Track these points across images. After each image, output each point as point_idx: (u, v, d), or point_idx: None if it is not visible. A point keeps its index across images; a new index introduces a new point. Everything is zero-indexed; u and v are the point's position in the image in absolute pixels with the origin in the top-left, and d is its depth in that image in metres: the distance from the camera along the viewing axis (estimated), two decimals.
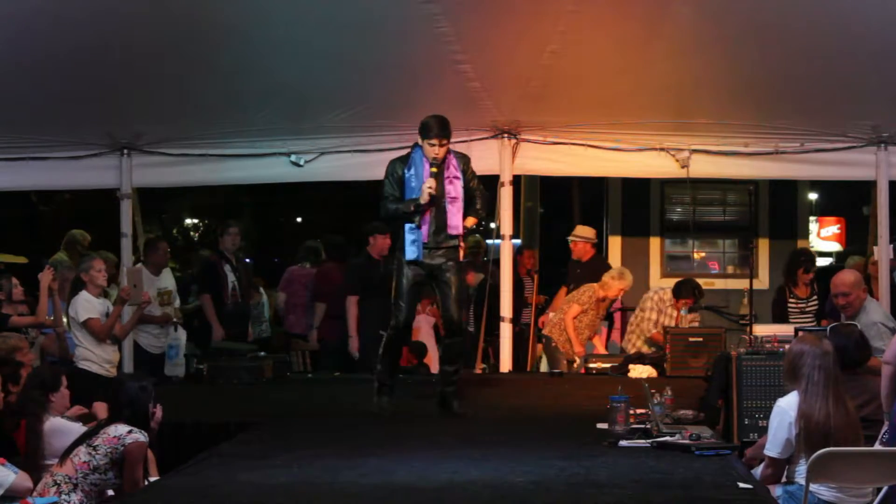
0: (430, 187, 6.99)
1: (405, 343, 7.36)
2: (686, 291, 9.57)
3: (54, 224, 19.59)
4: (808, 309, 9.93)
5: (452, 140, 9.18)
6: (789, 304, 9.94)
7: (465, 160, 7.28)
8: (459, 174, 7.13)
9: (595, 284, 10.13)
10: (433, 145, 7.03)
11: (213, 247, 10.47)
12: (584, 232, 10.65)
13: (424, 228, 7.05)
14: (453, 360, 7.31)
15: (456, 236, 7.13)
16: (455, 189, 7.11)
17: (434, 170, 7.01)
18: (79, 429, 5.90)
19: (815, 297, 10.01)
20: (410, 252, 7.06)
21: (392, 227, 7.51)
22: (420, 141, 7.10)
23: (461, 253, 7.22)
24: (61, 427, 5.96)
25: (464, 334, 7.31)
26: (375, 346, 9.29)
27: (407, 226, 7.05)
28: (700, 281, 10.95)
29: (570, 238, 10.62)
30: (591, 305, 9.88)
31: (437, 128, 7.04)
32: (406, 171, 7.11)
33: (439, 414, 7.14)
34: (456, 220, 7.12)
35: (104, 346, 7.93)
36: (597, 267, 10.58)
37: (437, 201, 7.06)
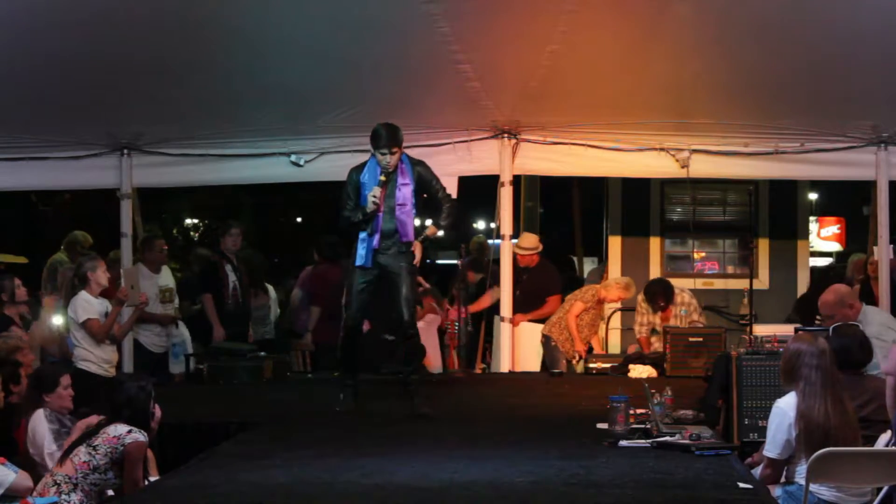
0: (374, 196, 7.04)
1: (357, 344, 7.46)
2: (648, 293, 9.73)
3: (54, 224, 19.60)
4: None
5: (453, 140, 9.18)
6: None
7: (422, 167, 7.28)
8: (410, 181, 7.13)
9: (597, 284, 10.17)
10: (384, 154, 7.06)
11: (214, 247, 10.47)
12: (527, 243, 10.38)
13: (376, 236, 7.12)
14: (408, 360, 7.37)
15: (408, 243, 7.16)
16: (404, 196, 7.12)
17: (383, 178, 7.05)
18: (47, 426, 5.94)
19: None
20: (359, 258, 7.18)
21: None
22: (372, 150, 7.16)
23: (417, 255, 7.21)
24: (35, 420, 6.00)
25: (415, 334, 7.33)
26: (374, 346, 9.36)
27: (360, 233, 7.16)
28: (699, 281, 10.99)
29: (515, 251, 10.21)
30: (594, 304, 9.92)
31: (387, 137, 7.06)
32: (360, 178, 7.18)
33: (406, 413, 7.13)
34: (406, 227, 7.15)
35: (103, 346, 7.93)
36: (542, 272, 10.46)
37: (388, 208, 7.10)
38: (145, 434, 5.54)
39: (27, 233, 21.07)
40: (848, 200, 21.69)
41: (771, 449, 5.38)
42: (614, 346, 11.15)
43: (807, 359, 5.36)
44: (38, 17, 7.29)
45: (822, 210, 24.57)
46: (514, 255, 10.08)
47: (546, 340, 10.00)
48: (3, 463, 5.47)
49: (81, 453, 5.44)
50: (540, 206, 14.04)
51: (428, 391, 7.43)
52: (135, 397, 5.65)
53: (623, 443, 5.83)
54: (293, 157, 9.69)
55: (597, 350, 10.20)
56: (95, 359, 7.89)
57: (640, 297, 9.83)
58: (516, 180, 10.44)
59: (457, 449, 5.83)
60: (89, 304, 7.92)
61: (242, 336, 9.90)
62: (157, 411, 5.87)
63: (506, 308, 9.69)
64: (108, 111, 8.94)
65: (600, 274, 11.90)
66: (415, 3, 7.30)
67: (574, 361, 9.87)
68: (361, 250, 7.17)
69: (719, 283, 11.57)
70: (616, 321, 11.05)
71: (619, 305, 10.84)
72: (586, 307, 9.89)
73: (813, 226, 22.26)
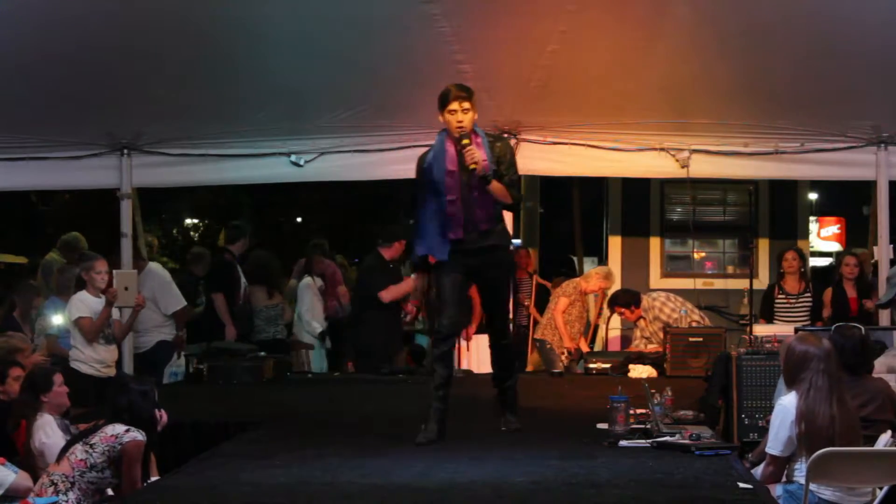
0: (474, 161, 5.90)
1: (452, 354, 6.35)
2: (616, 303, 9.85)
3: (54, 224, 19.62)
4: (798, 305, 9.83)
5: None
6: (777, 301, 9.84)
7: (501, 142, 6.23)
8: (486, 156, 6.01)
9: (578, 277, 10.22)
10: (454, 112, 5.99)
11: (223, 248, 10.46)
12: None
13: (453, 224, 6.07)
14: (505, 366, 6.49)
15: (489, 231, 6.17)
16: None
17: (466, 141, 5.93)
18: (61, 436, 5.91)
19: (808, 293, 9.93)
20: (437, 252, 6.15)
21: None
22: (440, 118, 6.11)
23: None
24: (45, 425, 5.99)
25: (510, 338, 6.51)
26: (373, 351, 9.35)
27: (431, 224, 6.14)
28: (699, 281, 10.98)
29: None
30: (578, 296, 9.94)
31: (455, 88, 6.03)
32: (426, 159, 6.17)
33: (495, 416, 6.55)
34: (485, 212, 6.13)
35: (96, 346, 7.92)
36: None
37: (467, 193, 6.06)
38: (143, 433, 5.54)
39: (27, 233, 21.10)
40: (848, 200, 21.69)
41: (774, 446, 5.38)
42: (614, 346, 11.16)
43: (814, 363, 5.35)
44: (38, 16, 7.29)
45: (822, 210, 24.58)
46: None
47: (541, 344, 10.00)
48: (3, 463, 5.47)
49: (78, 451, 5.44)
50: (540, 206, 14.06)
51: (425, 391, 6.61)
52: (135, 401, 5.65)
53: (623, 443, 5.83)
54: (293, 157, 9.68)
55: (583, 348, 10.17)
56: (87, 359, 7.87)
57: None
58: None
59: (457, 449, 5.82)
60: (83, 303, 7.93)
61: (249, 336, 9.92)
62: (164, 417, 5.87)
63: None
64: (108, 111, 8.94)
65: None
66: (415, 3, 7.31)
67: (564, 357, 9.86)
68: (436, 242, 6.09)
69: (719, 283, 11.59)
70: (616, 321, 11.06)
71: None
72: (571, 301, 9.91)
73: (813, 226, 22.28)
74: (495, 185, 6.05)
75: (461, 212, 6.09)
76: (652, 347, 9.65)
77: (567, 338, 9.84)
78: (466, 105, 6.00)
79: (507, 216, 9.42)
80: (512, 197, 6.21)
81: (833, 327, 6.52)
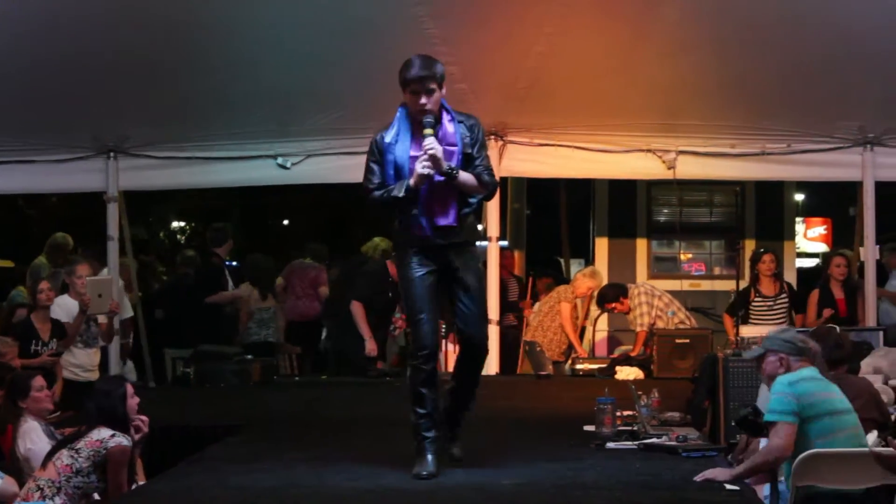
0: (429, 147, 5.00)
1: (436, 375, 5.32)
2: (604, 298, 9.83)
3: (41, 228, 19.52)
4: (776, 307, 9.73)
5: None
6: (753, 303, 9.69)
7: (471, 123, 5.27)
8: (457, 141, 5.18)
9: (569, 284, 10.24)
10: (416, 93, 5.06)
11: (209, 250, 10.43)
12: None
13: (423, 218, 5.17)
14: (463, 393, 5.58)
15: (455, 225, 5.21)
16: (451, 161, 5.13)
17: (429, 130, 5.04)
18: (46, 442, 5.87)
19: (784, 294, 9.77)
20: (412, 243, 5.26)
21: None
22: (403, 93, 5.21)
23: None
24: (30, 431, 5.96)
25: (483, 355, 5.52)
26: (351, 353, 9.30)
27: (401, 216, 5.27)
28: (686, 282, 10.97)
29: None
30: (575, 301, 9.97)
31: (420, 64, 5.07)
32: (383, 138, 5.20)
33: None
34: (449, 204, 5.19)
35: (73, 350, 7.90)
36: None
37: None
38: (129, 438, 5.52)
39: (13, 236, 21.00)
40: (834, 201, 21.74)
41: None
42: (601, 347, 11.17)
43: None
44: (24, 20, 7.27)
45: (808, 211, 24.61)
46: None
47: (531, 346, 9.99)
48: None
49: (64, 456, 5.41)
50: (526, 208, 14.06)
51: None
52: (101, 404, 5.62)
53: (610, 445, 5.83)
54: (280, 160, 9.66)
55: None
56: (64, 363, 7.85)
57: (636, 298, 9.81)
58: (503, 182, 10.44)
59: (444, 452, 5.81)
60: (60, 308, 7.94)
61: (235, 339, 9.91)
62: (144, 424, 5.83)
63: (492, 310, 9.65)
64: (93, 114, 8.92)
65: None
66: (402, 5, 7.31)
67: (572, 358, 9.86)
68: (416, 230, 5.19)
69: (706, 285, 11.61)
70: (603, 323, 11.07)
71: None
72: (572, 305, 9.91)
73: (799, 227, 22.30)
74: (464, 178, 5.15)
75: (424, 205, 5.16)
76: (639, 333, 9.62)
77: (578, 345, 9.88)
78: (431, 85, 5.08)
79: (493, 215, 9.64)
80: (485, 185, 5.24)
81: (810, 330, 6.53)
